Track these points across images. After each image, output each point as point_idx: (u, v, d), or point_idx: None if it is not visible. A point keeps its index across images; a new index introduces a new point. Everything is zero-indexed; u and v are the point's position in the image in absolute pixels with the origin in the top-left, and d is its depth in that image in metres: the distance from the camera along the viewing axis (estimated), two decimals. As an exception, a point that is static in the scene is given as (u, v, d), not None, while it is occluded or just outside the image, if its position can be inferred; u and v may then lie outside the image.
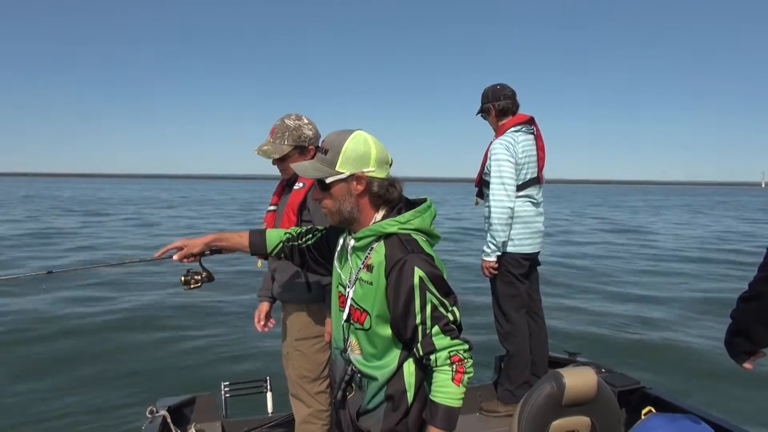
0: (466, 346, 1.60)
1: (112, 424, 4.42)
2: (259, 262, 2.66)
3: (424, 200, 1.75)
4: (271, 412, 3.22)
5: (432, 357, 1.58)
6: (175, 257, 2.01)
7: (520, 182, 3.38)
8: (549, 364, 3.49)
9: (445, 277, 1.64)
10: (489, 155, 3.40)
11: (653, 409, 1.86)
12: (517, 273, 3.41)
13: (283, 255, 2.04)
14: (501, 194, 3.30)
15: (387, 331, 1.65)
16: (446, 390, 1.57)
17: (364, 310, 1.66)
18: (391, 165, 1.74)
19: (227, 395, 3.17)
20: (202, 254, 2.05)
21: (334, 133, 1.73)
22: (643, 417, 1.82)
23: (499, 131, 3.46)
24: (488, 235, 3.36)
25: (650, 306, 8.26)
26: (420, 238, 1.66)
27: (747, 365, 1.70)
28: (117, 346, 6.35)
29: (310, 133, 2.51)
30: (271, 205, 2.69)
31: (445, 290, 1.61)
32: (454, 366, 1.57)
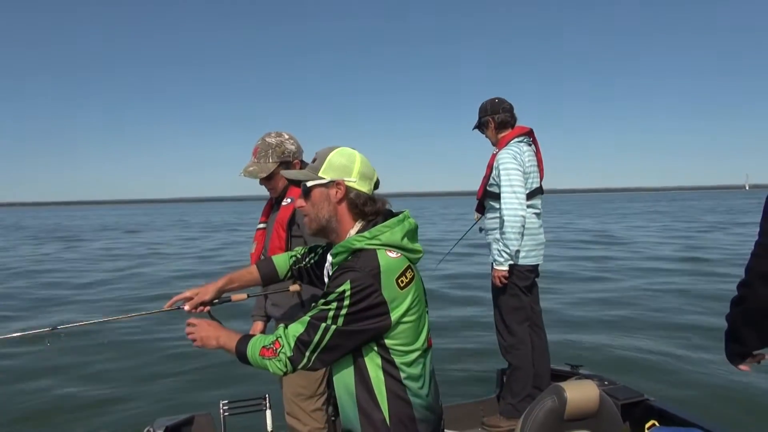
0: (290, 354, 1.60)
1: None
2: None
3: (401, 212, 1.75)
4: (271, 430, 3.18)
5: (279, 327, 1.65)
6: (186, 308, 2.00)
7: (527, 191, 3.38)
8: (551, 377, 3.45)
9: (385, 308, 1.57)
10: (496, 166, 3.40)
11: (656, 423, 1.81)
12: (522, 285, 3.40)
13: (293, 277, 2.07)
14: (513, 202, 3.28)
15: None
16: (256, 344, 1.64)
17: None
18: (377, 185, 1.77)
19: (226, 414, 3.13)
20: (210, 303, 2.04)
21: (326, 147, 1.77)
22: (646, 431, 1.79)
23: (500, 143, 3.47)
24: (500, 243, 3.32)
25: (655, 315, 8.19)
26: (385, 255, 1.61)
27: (742, 367, 1.75)
28: (112, 366, 6.29)
29: (293, 147, 2.52)
30: (260, 223, 2.69)
31: (355, 317, 1.56)
32: (271, 346, 1.61)
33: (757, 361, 1.73)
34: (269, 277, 2.06)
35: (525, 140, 3.46)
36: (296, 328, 1.59)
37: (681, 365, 5.92)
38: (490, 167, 3.47)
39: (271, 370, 1.61)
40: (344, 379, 1.67)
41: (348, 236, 1.69)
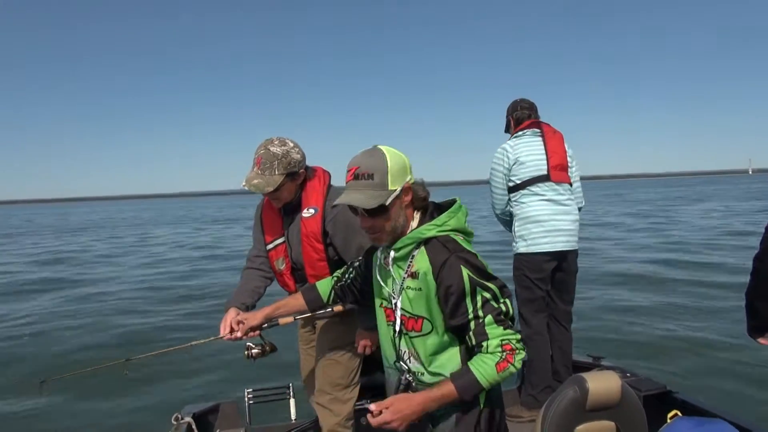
0: (519, 336, 1.62)
1: (137, 431, 4.48)
2: None
3: (454, 201, 1.77)
4: (294, 419, 3.23)
5: (484, 344, 1.59)
6: (238, 334, 2.17)
7: (522, 180, 3.40)
8: (573, 368, 3.44)
9: (489, 271, 1.65)
10: None
11: (679, 413, 1.82)
12: (534, 277, 3.36)
13: (337, 299, 2.13)
14: (493, 198, 3.56)
15: (445, 333, 1.67)
16: (485, 367, 1.58)
17: (419, 317, 1.67)
18: None
19: (251, 402, 3.20)
20: (260, 327, 2.21)
21: (363, 156, 1.70)
22: (669, 421, 1.79)
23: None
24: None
25: (680, 308, 8.08)
26: (458, 238, 1.68)
27: (762, 341, 1.73)
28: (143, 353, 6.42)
29: (299, 156, 2.40)
30: (278, 237, 2.54)
31: (495, 283, 1.63)
32: (504, 354, 1.58)
33: None
34: (314, 302, 2.13)
35: (529, 132, 3.48)
36: (495, 328, 1.60)
37: (710, 355, 5.85)
38: None
39: (514, 371, 1.61)
40: (441, 369, 1.68)
41: (410, 230, 1.71)
